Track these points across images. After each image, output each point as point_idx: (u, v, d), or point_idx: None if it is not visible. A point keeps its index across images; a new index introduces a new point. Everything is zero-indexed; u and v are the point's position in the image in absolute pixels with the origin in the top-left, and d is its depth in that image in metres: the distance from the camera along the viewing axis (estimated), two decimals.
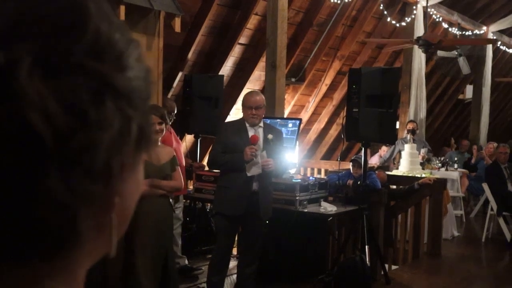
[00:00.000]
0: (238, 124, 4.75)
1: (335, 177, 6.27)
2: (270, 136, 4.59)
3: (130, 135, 0.47)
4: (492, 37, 12.88)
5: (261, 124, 4.69)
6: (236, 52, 8.43)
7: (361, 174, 5.91)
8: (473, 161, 10.94)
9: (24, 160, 0.42)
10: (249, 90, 6.21)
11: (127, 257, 4.05)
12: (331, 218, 5.65)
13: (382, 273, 5.63)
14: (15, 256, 0.45)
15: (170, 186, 4.29)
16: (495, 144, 10.49)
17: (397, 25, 10.32)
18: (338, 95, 11.10)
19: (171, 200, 4.43)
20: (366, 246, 5.32)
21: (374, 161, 9.07)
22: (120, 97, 0.46)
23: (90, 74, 0.44)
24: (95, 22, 0.46)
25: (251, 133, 4.60)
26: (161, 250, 4.27)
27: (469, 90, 14.59)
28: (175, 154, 4.44)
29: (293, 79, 9.79)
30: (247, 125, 4.63)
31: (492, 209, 8.09)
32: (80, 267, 0.50)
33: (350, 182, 6.18)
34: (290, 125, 6.25)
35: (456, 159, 10.42)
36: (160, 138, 4.39)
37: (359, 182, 5.79)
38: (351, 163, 6.54)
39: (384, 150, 9.31)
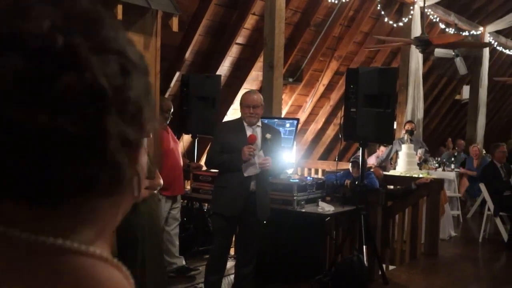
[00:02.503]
0: (236, 123, 4.74)
1: (333, 177, 6.27)
2: (268, 136, 4.58)
3: (148, 96, 0.63)
4: (488, 38, 12.90)
5: (259, 123, 4.68)
6: (233, 52, 8.42)
7: (358, 175, 5.91)
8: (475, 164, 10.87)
9: (93, 105, 0.56)
10: (247, 90, 6.21)
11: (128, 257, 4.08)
12: (328, 218, 5.65)
13: (380, 273, 5.63)
14: (87, 187, 0.57)
15: (157, 184, 4.27)
16: (479, 146, 10.53)
17: (395, 25, 10.32)
18: (335, 95, 11.10)
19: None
20: (364, 246, 5.32)
21: (371, 161, 9.07)
22: (136, 69, 0.62)
23: (117, 53, 0.60)
24: (107, 22, 0.62)
25: (249, 132, 4.59)
26: (157, 248, 4.30)
27: (466, 91, 14.61)
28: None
29: (290, 79, 9.78)
30: (245, 124, 4.63)
31: (489, 209, 8.10)
32: (116, 216, 0.64)
33: (348, 182, 6.18)
34: (287, 125, 6.25)
35: (453, 159, 10.43)
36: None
37: (357, 182, 5.78)
38: (350, 164, 6.54)
39: (382, 150, 9.31)
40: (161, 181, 4.35)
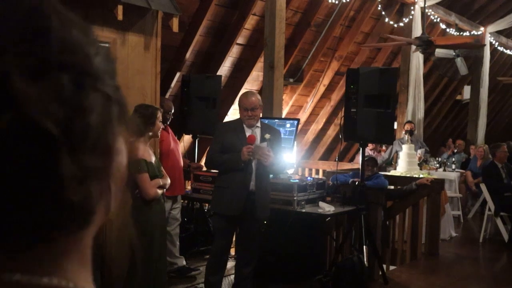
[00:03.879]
0: (236, 124, 4.75)
1: (342, 177, 6.30)
2: (267, 136, 4.58)
3: (112, 110, 0.54)
4: (489, 38, 12.89)
5: (258, 124, 4.69)
6: (234, 53, 8.43)
7: (372, 173, 5.95)
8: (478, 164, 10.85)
9: (39, 152, 0.47)
10: (246, 91, 6.21)
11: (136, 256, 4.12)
12: (329, 218, 5.65)
13: (380, 273, 5.63)
14: (46, 234, 0.50)
15: (166, 183, 4.34)
16: (485, 147, 10.51)
17: (395, 25, 10.33)
18: (336, 96, 11.10)
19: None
20: (364, 246, 5.32)
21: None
22: (96, 80, 0.52)
23: (68, 68, 0.50)
24: (56, 22, 0.51)
25: (248, 133, 4.59)
26: (162, 248, 4.37)
27: (466, 91, 14.61)
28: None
29: (291, 80, 9.79)
30: (244, 125, 4.63)
31: (489, 210, 8.10)
32: (90, 235, 0.56)
33: (356, 180, 6.15)
34: (288, 125, 6.25)
35: (454, 159, 10.43)
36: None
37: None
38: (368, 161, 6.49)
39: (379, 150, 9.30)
40: (169, 181, 4.39)
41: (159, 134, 4.48)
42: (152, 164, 4.18)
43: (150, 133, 4.25)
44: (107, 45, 4.33)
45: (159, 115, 4.34)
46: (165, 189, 4.36)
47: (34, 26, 0.50)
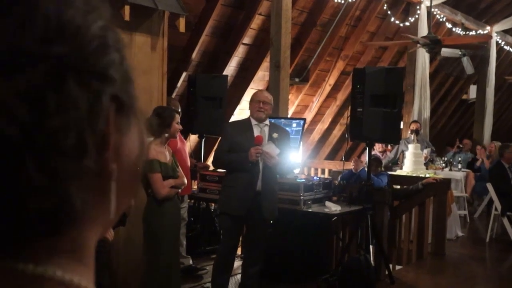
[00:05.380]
0: (244, 123, 4.76)
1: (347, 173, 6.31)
2: (275, 135, 4.59)
3: (102, 108, 0.48)
4: (495, 37, 12.86)
5: (267, 122, 4.70)
6: (240, 52, 8.43)
7: (376, 172, 5.95)
8: (478, 163, 10.88)
9: (0, 160, 0.44)
10: (254, 90, 6.22)
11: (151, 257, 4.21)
12: (335, 218, 5.65)
13: (386, 273, 5.63)
14: (19, 242, 0.47)
15: (181, 182, 4.38)
16: (497, 144, 10.46)
17: (401, 25, 10.31)
18: (341, 95, 11.09)
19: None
20: (370, 246, 5.32)
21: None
22: (84, 74, 0.47)
23: (46, 60, 0.44)
24: (42, 5, 0.46)
25: (256, 132, 4.61)
26: (176, 247, 4.41)
27: (473, 90, 14.56)
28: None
29: (297, 79, 9.79)
30: (252, 124, 4.64)
31: (496, 209, 8.07)
32: (88, 237, 0.52)
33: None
34: (294, 125, 6.26)
35: (460, 159, 10.40)
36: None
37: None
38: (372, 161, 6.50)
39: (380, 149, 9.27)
40: (185, 180, 4.43)
41: (177, 135, 4.54)
42: (166, 165, 4.22)
43: (166, 135, 4.30)
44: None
45: (177, 117, 4.38)
46: (179, 190, 4.39)
47: (15, 10, 0.45)
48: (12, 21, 0.44)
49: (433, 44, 8.26)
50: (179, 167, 4.46)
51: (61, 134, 0.45)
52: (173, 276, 4.29)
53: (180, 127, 4.49)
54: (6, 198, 0.45)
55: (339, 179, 6.37)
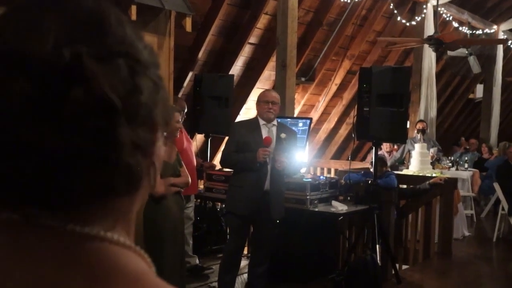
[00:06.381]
0: (251, 123, 4.76)
1: (354, 176, 6.28)
2: (283, 135, 4.60)
3: (158, 93, 0.63)
4: (502, 36, 12.81)
5: (275, 122, 4.70)
6: (246, 52, 8.44)
7: (381, 172, 5.94)
8: (488, 156, 10.78)
9: (103, 120, 0.56)
10: (260, 90, 6.23)
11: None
12: (341, 217, 5.65)
13: (393, 272, 5.62)
14: (110, 192, 0.59)
15: (182, 182, 4.37)
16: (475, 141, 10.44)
17: (407, 24, 10.29)
18: (348, 95, 11.08)
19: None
20: (377, 246, 5.31)
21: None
22: (146, 68, 0.62)
23: (125, 56, 0.60)
24: (114, 20, 0.62)
25: (264, 132, 4.61)
26: (178, 247, 4.38)
27: (479, 90, 14.52)
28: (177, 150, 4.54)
29: (303, 79, 9.79)
30: (260, 123, 4.64)
31: (503, 209, 8.05)
32: (135, 204, 0.64)
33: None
34: (300, 124, 6.26)
35: (466, 158, 10.37)
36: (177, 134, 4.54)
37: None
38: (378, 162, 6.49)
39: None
40: (189, 179, 4.42)
41: (177, 134, 4.51)
42: (165, 163, 4.20)
43: (165, 134, 4.28)
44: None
45: (176, 116, 4.35)
46: (181, 189, 4.39)
47: (97, 23, 0.60)
48: (95, 30, 0.60)
49: (438, 45, 8.23)
50: (183, 167, 4.45)
51: (143, 107, 0.59)
52: (178, 274, 4.29)
53: (180, 126, 4.47)
54: (103, 153, 0.56)
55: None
